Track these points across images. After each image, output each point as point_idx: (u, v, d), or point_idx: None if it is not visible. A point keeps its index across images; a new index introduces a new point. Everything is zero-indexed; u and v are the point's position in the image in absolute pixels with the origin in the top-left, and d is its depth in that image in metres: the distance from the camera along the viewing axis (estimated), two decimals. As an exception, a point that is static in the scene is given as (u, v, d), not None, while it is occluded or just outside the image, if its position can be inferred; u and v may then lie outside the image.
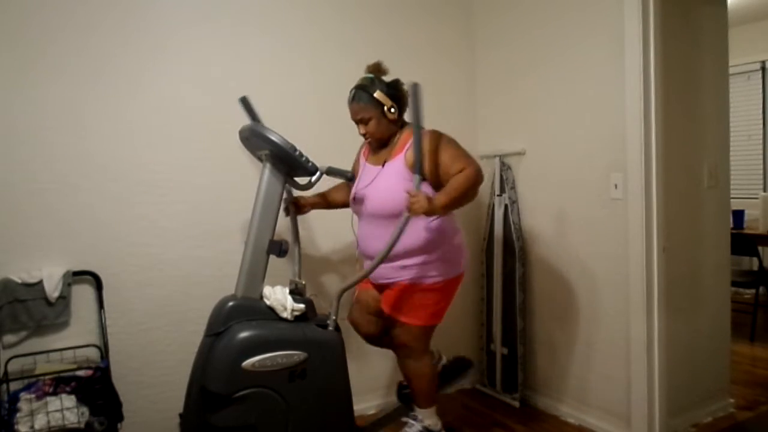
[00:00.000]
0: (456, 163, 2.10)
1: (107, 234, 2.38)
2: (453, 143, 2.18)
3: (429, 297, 2.23)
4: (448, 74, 3.20)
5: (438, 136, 2.17)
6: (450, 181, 2.09)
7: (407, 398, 2.47)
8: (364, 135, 2.23)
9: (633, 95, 2.42)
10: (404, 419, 2.40)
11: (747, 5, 4.62)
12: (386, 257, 2.07)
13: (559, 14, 2.75)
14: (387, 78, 2.21)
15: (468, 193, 2.09)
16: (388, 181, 2.18)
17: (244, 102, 2.27)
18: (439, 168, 2.12)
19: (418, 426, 2.34)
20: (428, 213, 1.99)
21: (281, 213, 2.27)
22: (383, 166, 2.23)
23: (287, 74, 2.74)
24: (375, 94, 2.14)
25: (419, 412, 2.34)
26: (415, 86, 1.98)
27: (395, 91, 2.19)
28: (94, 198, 2.35)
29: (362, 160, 2.38)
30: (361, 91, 2.16)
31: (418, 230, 2.17)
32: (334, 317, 2.07)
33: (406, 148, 2.17)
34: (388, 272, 2.23)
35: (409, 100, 2.01)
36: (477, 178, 2.10)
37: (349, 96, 2.21)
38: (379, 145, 2.28)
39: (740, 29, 4.88)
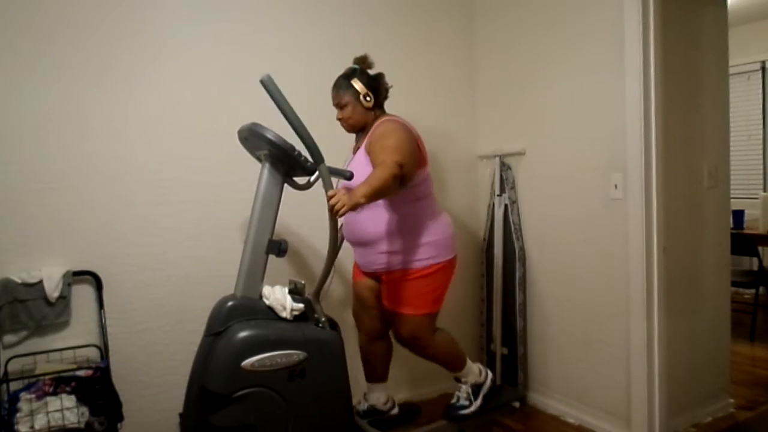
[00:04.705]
0: (381, 154, 2.09)
1: (107, 234, 2.38)
2: (395, 136, 2.16)
3: (424, 284, 2.26)
4: (448, 74, 3.20)
5: (388, 125, 2.22)
6: (372, 172, 2.07)
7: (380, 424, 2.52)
8: (339, 120, 2.35)
9: (633, 95, 2.42)
10: (452, 387, 2.52)
11: (747, 5, 4.63)
12: (333, 261, 2.07)
13: (560, 14, 2.75)
14: (373, 71, 2.35)
15: (388, 184, 1.98)
16: (358, 168, 2.24)
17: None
18: (373, 156, 2.14)
19: (465, 387, 2.46)
20: (352, 207, 1.89)
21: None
22: (356, 153, 2.34)
23: (286, 74, 2.73)
24: (352, 81, 2.30)
25: (459, 375, 2.46)
26: (264, 80, 1.88)
27: (375, 82, 2.33)
28: (94, 198, 2.35)
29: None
30: (342, 78, 2.34)
31: (392, 215, 2.24)
32: (323, 318, 2.07)
33: (369, 136, 2.26)
34: (373, 258, 2.30)
35: (269, 94, 1.92)
36: (394, 169, 2.00)
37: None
38: (356, 132, 2.39)
39: (740, 29, 4.88)
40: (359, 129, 2.37)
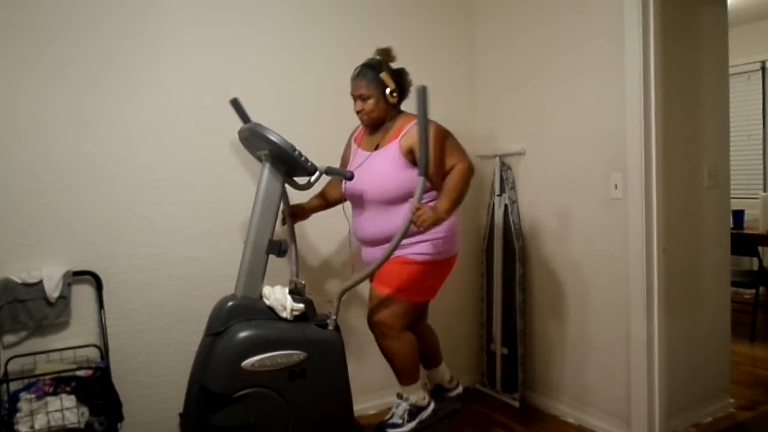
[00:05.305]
0: (449, 157, 2.13)
1: (107, 234, 2.38)
2: (449, 136, 2.21)
3: (416, 271, 2.21)
4: (448, 74, 3.20)
5: (435, 128, 2.18)
6: (446, 183, 2.11)
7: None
8: (359, 112, 2.25)
9: (633, 95, 2.42)
10: (392, 400, 2.36)
11: (747, 5, 4.63)
12: (378, 267, 2.09)
13: (560, 14, 2.75)
14: (394, 66, 2.27)
15: (465, 190, 2.15)
16: (380, 167, 2.19)
17: (235, 104, 2.31)
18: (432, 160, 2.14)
19: (404, 405, 2.30)
20: (436, 223, 2.02)
21: (278, 222, 2.31)
22: (375, 150, 2.25)
23: (287, 74, 2.74)
24: (381, 75, 2.19)
25: (404, 390, 2.32)
26: (423, 89, 1.98)
27: (400, 78, 2.25)
28: (94, 198, 2.35)
29: (354, 146, 2.40)
30: (368, 69, 2.22)
31: (407, 214, 2.19)
32: (334, 317, 2.07)
33: (401, 135, 2.19)
34: (379, 254, 2.26)
35: (416, 103, 2.00)
36: (470, 172, 2.15)
37: (353, 72, 2.26)
38: (372, 127, 2.30)
39: (740, 29, 4.88)
40: (378, 124, 2.28)
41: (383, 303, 2.21)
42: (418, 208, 2.00)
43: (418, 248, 2.22)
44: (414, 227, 2.03)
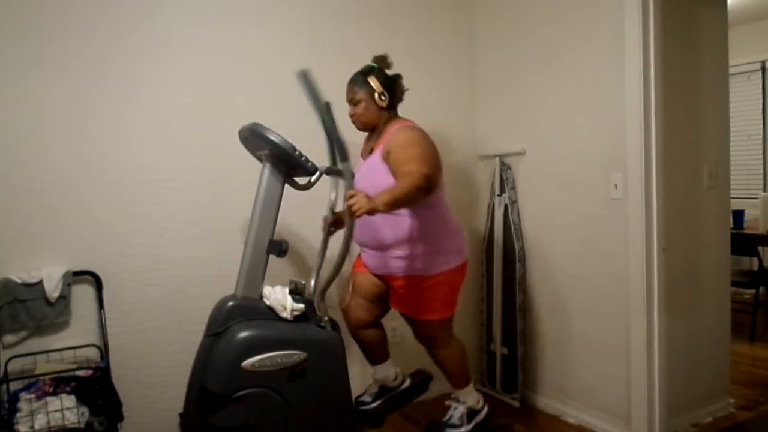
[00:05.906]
0: (408, 164, 2.05)
1: (107, 234, 2.38)
2: (421, 145, 2.13)
3: (438, 291, 2.25)
4: (448, 74, 3.20)
5: (411, 133, 2.17)
6: (397, 181, 2.06)
7: (362, 414, 2.49)
8: (351, 116, 2.32)
9: (633, 95, 2.42)
10: (447, 403, 2.46)
11: (747, 5, 4.63)
12: (344, 261, 2.05)
13: (560, 14, 2.75)
14: (391, 72, 2.32)
15: (412, 196, 2.01)
16: (370, 173, 2.22)
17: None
18: (395, 163, 2.11)
19: (462, 408, 2.40)
20: (370, 212, 1.93)
21: (319, 229, 2.33)
22: (369, 155, 2.30)
23: (287, 74, 2.73)
24: (369, 78, 2.26)
25: (459, 393, 2.42)
26: (303, 73, 1.96)
27: (392, 83, 2.30)
28: (94, 198, 2.35)
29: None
30: (358, 75, 2.31)
31: (409, 221, 2.20)
32: (326, 317, 2.07)
33: (386, 141, 2.21)
34: (384, 262, 2.27)
35: (301, 88, 1.99)
36: (421, 182, 1.99)
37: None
38: (366, 131, 2.37)
39: (740, 29, 4.88)
40: (370, 128, 2.33)
41: (423, 325, 2.32)
42: (351, 195, 1.92)
43: (431, 262, 2.23)
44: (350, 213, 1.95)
